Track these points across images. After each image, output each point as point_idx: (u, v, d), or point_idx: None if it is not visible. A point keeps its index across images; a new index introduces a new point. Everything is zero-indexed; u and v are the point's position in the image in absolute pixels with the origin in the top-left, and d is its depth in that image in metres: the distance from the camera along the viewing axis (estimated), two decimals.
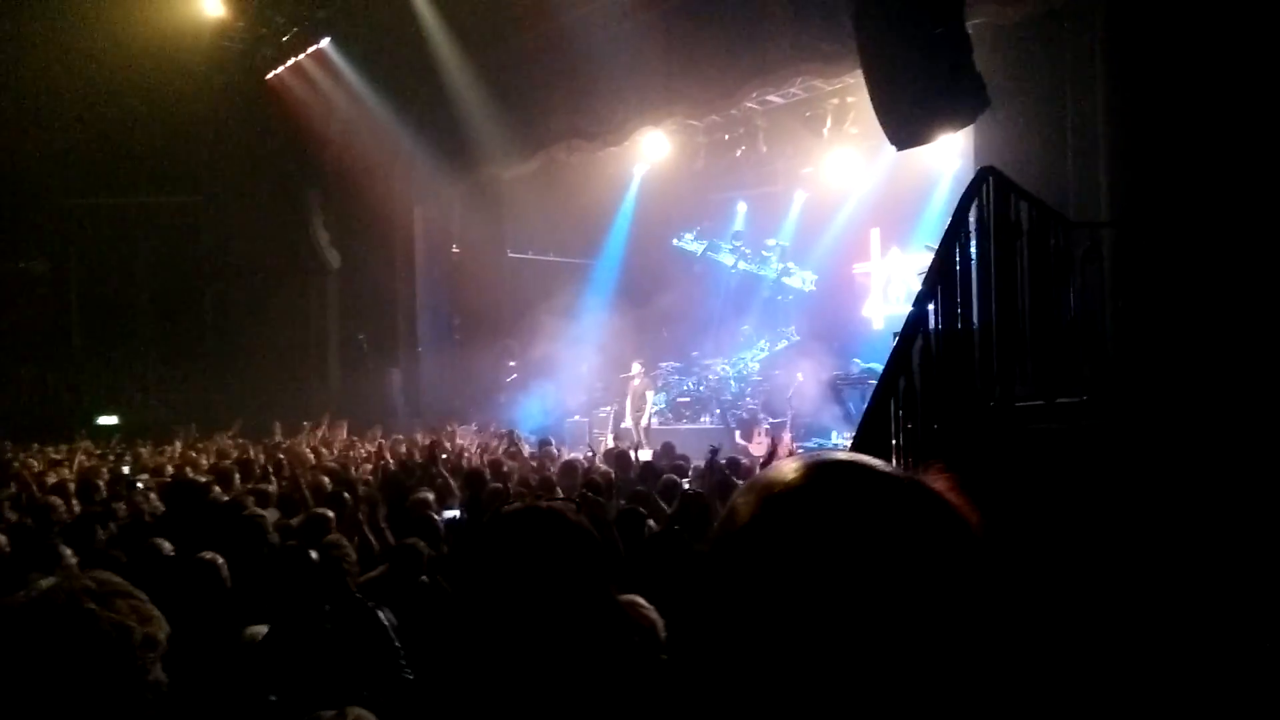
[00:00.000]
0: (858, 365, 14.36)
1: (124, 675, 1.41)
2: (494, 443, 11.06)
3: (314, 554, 4.01)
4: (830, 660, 0.67)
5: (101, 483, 7.43)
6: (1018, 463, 3.88)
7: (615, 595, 1.78)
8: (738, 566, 0.72)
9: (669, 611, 2.97)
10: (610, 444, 13.26)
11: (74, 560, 4.76)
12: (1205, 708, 2.86)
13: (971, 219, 4.38)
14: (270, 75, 16.39)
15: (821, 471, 0.75)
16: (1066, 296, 5.37)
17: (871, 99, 8.92)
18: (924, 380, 3.87)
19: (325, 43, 15.62)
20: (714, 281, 18.22)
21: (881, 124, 8.83)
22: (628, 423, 15.34)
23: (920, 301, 3.99)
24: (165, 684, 1.49)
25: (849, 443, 12.72)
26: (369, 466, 9.32)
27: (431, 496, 6.70)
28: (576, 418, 16.00)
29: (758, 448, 13.33)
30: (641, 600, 3.01)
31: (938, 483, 0.75)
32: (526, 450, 9.98)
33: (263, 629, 3.66)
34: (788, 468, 0.76)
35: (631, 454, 9.61)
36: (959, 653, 0.68)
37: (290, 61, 16.15)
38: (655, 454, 10.07)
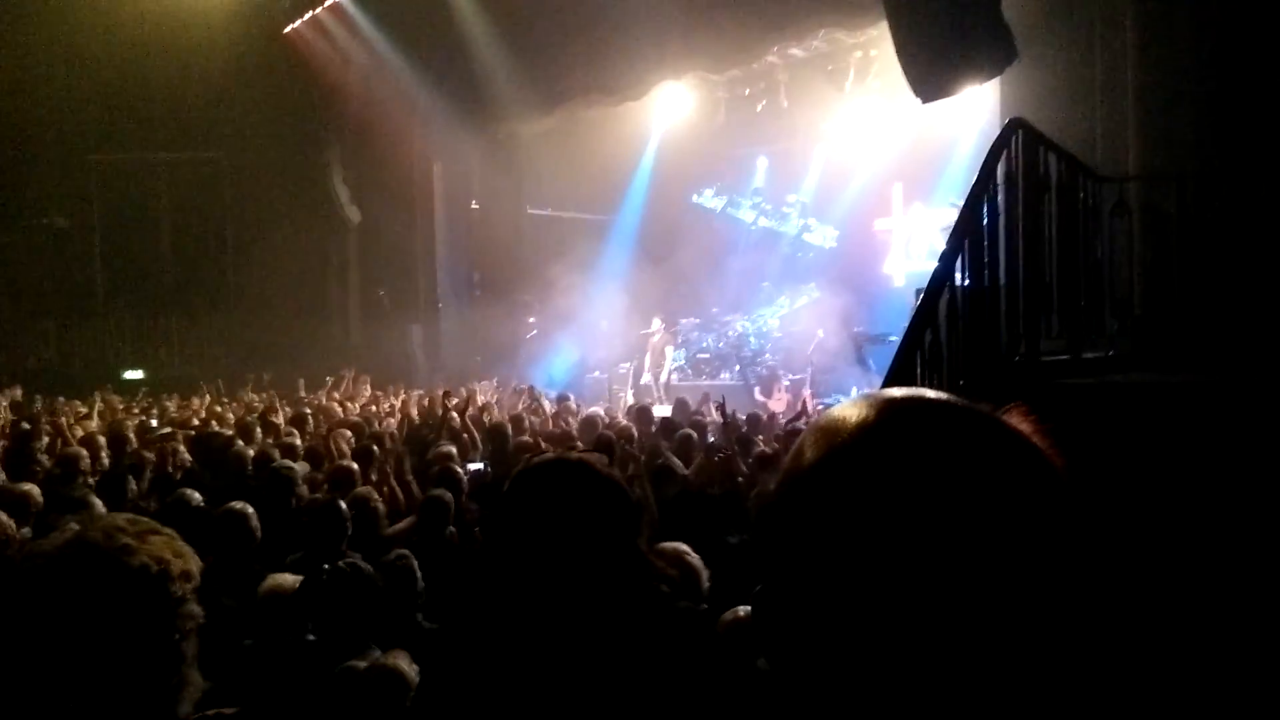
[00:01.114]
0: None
1: (161, 607, 1.44)
2: (513, 398, 11.12)
3: (344, 505, 4.06)
4: (904, 607, 0.63)
5: (131, 435, 7.53)
6: (1044, 417, 3.86)
7: (643, 546, 1.79)
8: (807, 509, 0.68)
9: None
10: (630, 400, 13.31)
11: (104, 511, 4.84)
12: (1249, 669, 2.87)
13: (999, 172, 4.32)
14: (288, 29, 16.28)
15: (894, 407, 0.70)
16: (1094, 251, 5.31)
17: (896, 50, 8.76)
18: (950, 334, 3.85)
19: None
20: (734, 238, 18.12)
21: (906, 76, 8.69)
22: (647, 379, 15.37)
23: (947, 255, 3.96)
24: (201, 618, 1.52)
25: None
26: (392, 421, 9.39)
27: (454, 450, 6.77)
28: (596, 374, 16.05)
29: (778, 404, 13.34)
30: (685, 548, 3.03)
31: (1022, 423, 0.70)
32: (547, 406, 10.02)
33: (288, 578, 3.70)
34: (855, 405, 0.71)
35: (655, 409, 9.65)
36: (1041, 604, 0.64)
37: (308, 15, 16.03)
38: (672, 410, 10.09)
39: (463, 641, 1.83)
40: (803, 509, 0.69)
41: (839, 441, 0.69)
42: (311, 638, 3.31)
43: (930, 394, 0.73)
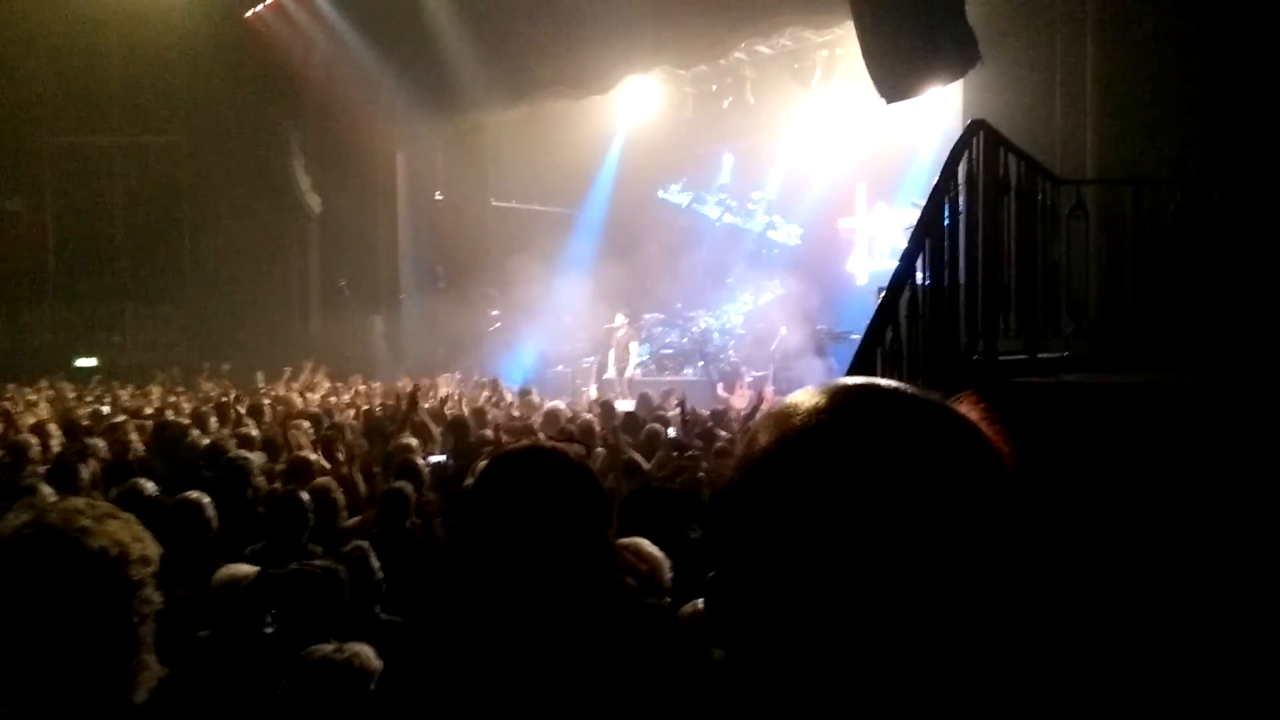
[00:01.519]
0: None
1: (119, 590, 1.43)
2: (475, 390, 11.07)
3: (305, 496, 4.02)
4: (852, 590, 0.64)
5: (84, 423, 7.38)
6: (1000, 414, 3.91)
7: (611, 539, 1.80)
8: (759, 494, 0.68)
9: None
10: (593, 394, 13.30)
11: (55, 499, 4.76)
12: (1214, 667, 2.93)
13: (960, 172, 4.38)
14: (249, 13, 16.02)
15: (845, 394, 0.71)
16: (1051, 253, 5.40)
17: (861, 50, 8.85)
18: (910, 332, 3.90)
19: None
20: (699, 234, 18.16)
21: (871, 75, 8.78)
22: (611, 373, 15.37)
23: (908, 254, 4.01)
24: (159, 603, 1.51)
25: None
26: (351, 413, 9.30)
27: (415, 442, 6.72)
28: (560, 368, 16.01)
29: (740, 400, 13.40)
30: (645, 542, 3.03)
31: (971, 412, 0.71)
32: (509, 399, 9.99)
33: (242, 568, 3.65)
34: (809, 393, 0.72)
35: (618, 405, 9.65)
36: (985, 588, 0.65)
37: None
38: (636, 405, 10.11)
39: (427, 633, 1.83)
40: (755, 494, 0.69)
41: (791, 427, 0.70)
42: (268, 630, 3.27)
43: (882, 382, 0.74)
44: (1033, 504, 0.69)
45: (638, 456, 6.32)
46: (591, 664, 1.55)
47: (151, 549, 1.51)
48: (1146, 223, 5.80)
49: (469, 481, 5.47)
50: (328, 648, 2.64)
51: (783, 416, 0.71)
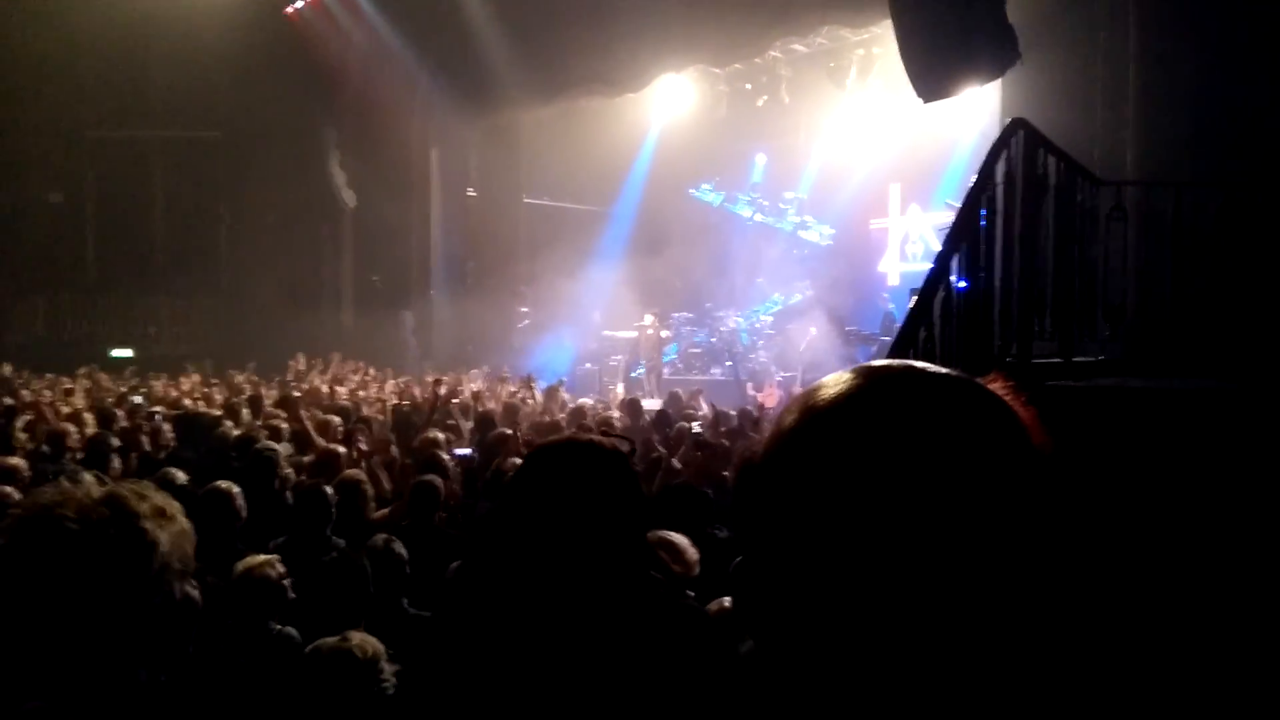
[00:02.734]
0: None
1: (150, 572, 1.41)
2: (504, 387, 11.09)
3: (330, 490, 4.03)
4: (879, 569, 0.63)
5: (120, 412, 7.48)
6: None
7: (646, 534, 1.79)
8: (786, 472, 0.67)
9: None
10: (621, 392, 13.30)
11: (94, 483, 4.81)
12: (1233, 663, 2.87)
13: (998, 172, 4.30)
14: (290, 9, 16.19)
15: (876, 374, 0.70)
16: (1089, 254, 5.30)
17: (899, 49, 8.75)
18: (943, 333, 3.84)
19: None
20: (730, 233, 18.10)
21: (909, 74, 8.67)
22: (638, 372, 15.36)
23: (943, 254, 3.95)
24: (195, 588, 1.50)
25: None
26: (379, 406, 9.36)
27: (441, 436, 6.74)
28: (588, 365, 16.02)
29: (769, 399, 13.33)
30: (678, 537, 3.02)
31: (999, 389, 0.70)
32: (538, 396, 10.00)
33: (262, 558, 3.67)
34: (835, 376, 0.71)
35: (646, 403, 9.64)
36: (1015, 566, 0.63)
37: None
38: (664, 403, 10.08)
39: (457, 625, 1.82)
40: (782, 471, 0.68)
41: (819, 404, 0.69)
42: (279, 627, 3.29)
43: (910, 362, 0.73)
44: (1064, 482, 0.67)
45: (665, 453, 6.29)
46: (622, 658, 1.53)
47: (189, 540, 1.51)
48: (1187, 225, 5.67)
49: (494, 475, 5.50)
50: (331, 640, 2.65)
51: (811, 395, 0.70)
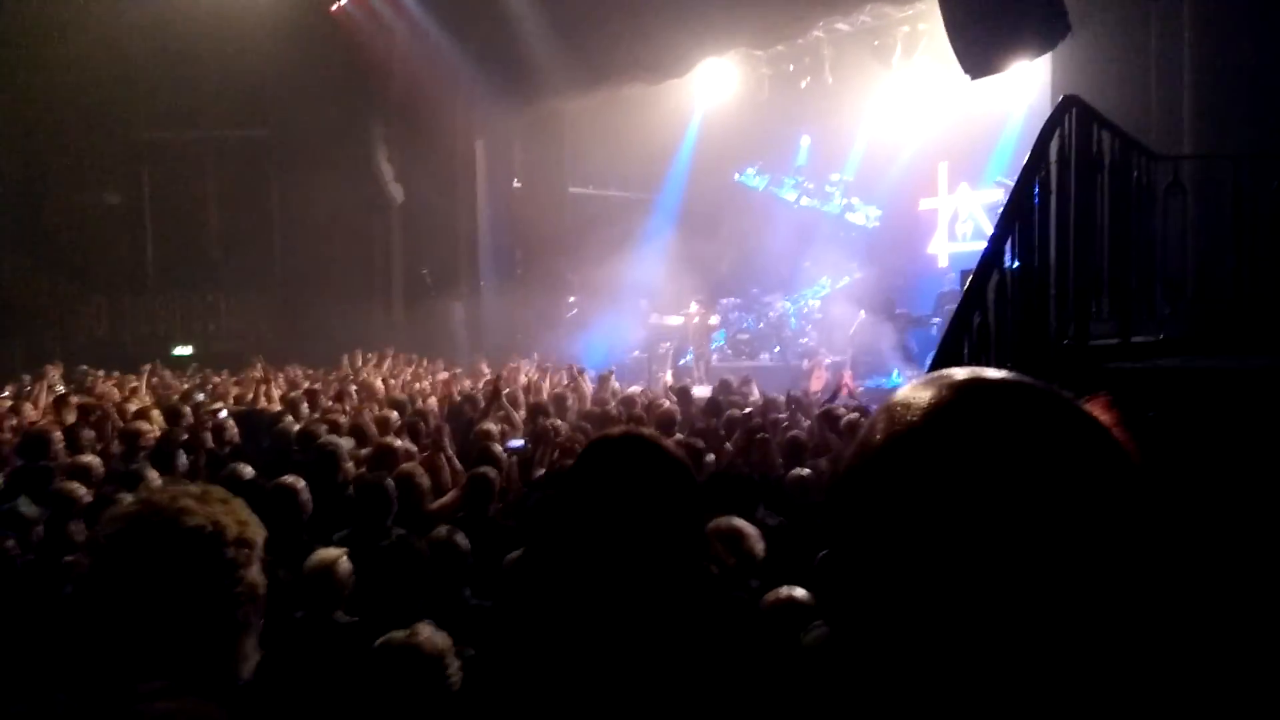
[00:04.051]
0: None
1: (215, 569, 1.47)
2: (555, 376, 11.18)
3: (390, 483, 4.12)
4: (968, 584, 0.63)
5: (187, 409, 7.68)
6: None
7: (699, 527, 1.80)
8: (875, 491, 0.68)
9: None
10: (670, 380, 13.32)
11: (160, 482, 4.96)
12: None
13: (1052, 150, 4.23)
14: (335, 6, 16.39)
15: (967, 388, 0.70)
16: (1147, 232, 5.20)
17: (945, 24, 8.61)
18: (998, 317, 3.80)
19: None
20: (776, 217, 17.98)
21: (955, 51, 8.53)
22: (687, 359, 15.37)
23: (997, 237, 3.90)
24: (261, 586, 1.55)
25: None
26: (433, 400, 9.49)
27: (495, 428, 6.83)
28: (636, 353, 16.06)
29: (817, 382, 13.27)
30: (747, 526, 3.04)
31: (1103, 415, 0.69)
32: (588, 386, 10.06)
33: (333, 552, 3.76)
34: (924, 387, 0.71)
35: (696, 390, 9.65)
36: (1108, 589, 0.63)
37: None
38: (714, 390, 10.08)
39: (515, 617, 1.86)
40: (875, 482, 0.68)
41: (908, 419, 0.69)
42: (347, 618, 3.37)
43: (1000, 374, 0.72)
44: (1162, 507, 0.67)
45: (704, 445, 6.27)
46: (676, 652, 1.56)
47: (254, 532, 1.55)
48: (1247, 200, 5.53)
49: (540, 472, 5.57)
50: (400, 633, 2.71)
51: (900, 409, 0.70)
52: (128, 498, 4.29)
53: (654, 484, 1.61)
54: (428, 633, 2.77)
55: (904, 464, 0.67)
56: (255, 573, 1.53)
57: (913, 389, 0.72)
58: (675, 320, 15.92)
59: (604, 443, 1.74)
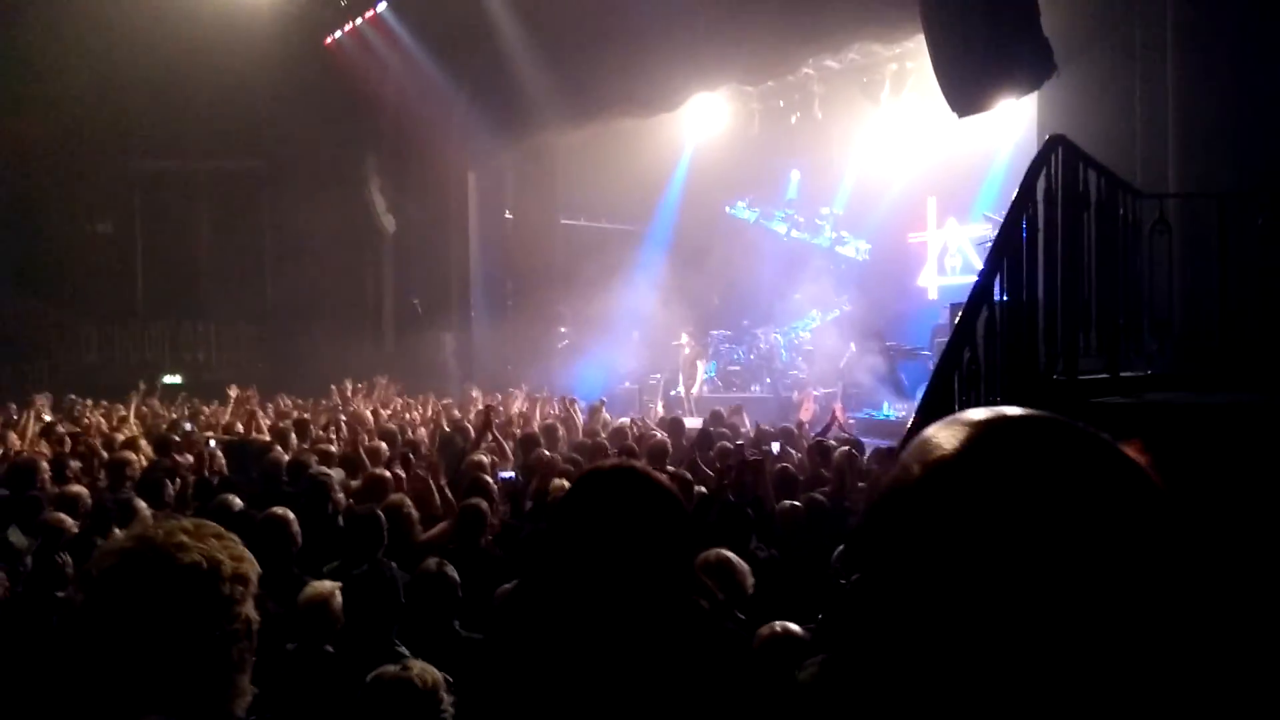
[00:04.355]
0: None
1: (209, 605, 1.46)
2: (546, 407, 11.18)
3: (381, 514, 4.11)
4: (1003, 618, 0.64)
5: (176, 438, 7.65)
6: None
7: (690, 560, 1.80)
8: (911, 523, 0.69)
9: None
10: (660, 411, 13.33)
11: (148, 512, 4.93)
12: None
13: (1039, 189, 4.30)
14: (329, 40, 16.53)
15: (996, 424, 0.71)
16: (1133, 269, 5.26)
17: (932, 63, 8.74)
18: (988, 352, 3.84)
19: (382, 7, 15.71)
20: (766, 250, 18.09)
21: (943, 89, 8.66)
22: (677, 391, 15.39)
23: (986, 273, 3.95)
24: (255, 622, 1.55)
25: (901, 414, 12.63)
26: (423, 430, 9.47)
27: (486, 459, 6.82)
28: (627, 384, 16.07)
29: (807, 413, 13.29)
30: (737, 561, 3.04)
31: (1135, 454, 0.71)
32: (580, 417, 10.06)
33: (326, 585, 3.75)
34: (956, 424, 0.72)
35: (686, 421, 9.65)
36: (1143, 620, 0.64)
37: (349, 26, 16.27)
38: (704, 421, 10.09)
39: (506, 650, 1.85)
40: (911, 516, 0.70)
41: (945, 457, 0.70)
42: (329, 648, 3.36)
43: (1034, 412, 0.74)
44: (1196, 540, 0.69)
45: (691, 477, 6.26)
46: (666, 686, 1.56)
47: (249, 568, 1.55)
48: (1232, 237, 5.62)
49: (530, 504, 5.56)
50: (392, 668, 2.70)
51: (936, 443, 0.72)
52: (117, 530, 4.28)
53: (646, 516, 1.61)
54: (419, 667, 2.77)
55: (940, 497, 0.69)
56: (250, 609, 1.53)
57: (945, 425, 0.73)
58: (665, 351, 15.98)
59: (596, 475, 1.74)
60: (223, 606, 1.49)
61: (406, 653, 3.30)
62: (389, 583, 3.51)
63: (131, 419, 10.16)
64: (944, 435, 0.72)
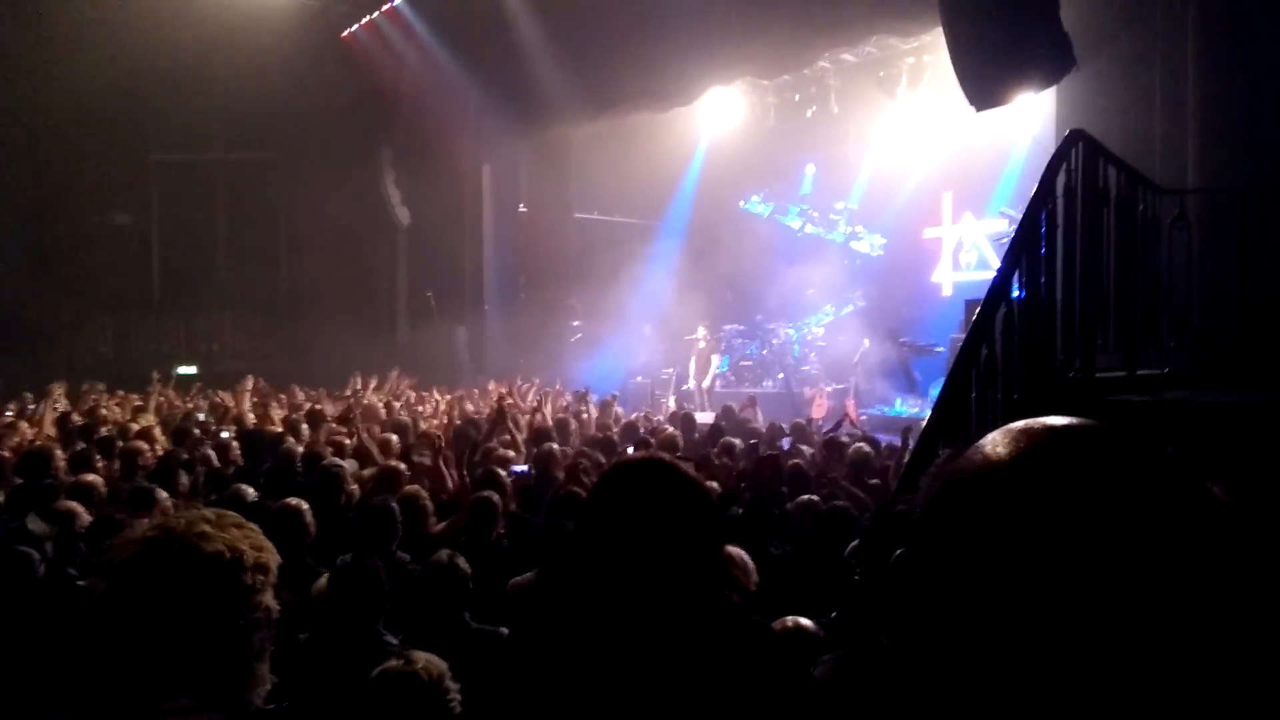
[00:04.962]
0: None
1: (232, 594, 1.48)
2: (559, 401, 11.18)
3: (395, 506, 4.11)
4: (1049, 632, 0.64)
5: (197, 431, 7.68)
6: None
7: (721, 552, 1.79)
8: (965, 525, 0.69)
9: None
10: (672, 406, 13.32)
11: (167, 501, 4.95)
12: None
13: (1059, 184, 4.26)
14: (346, 33, 16.56)
15: (1054, 432, 0.70)
16: (1153, 265, 5.21)
17: (951, 56, 8.68)
18: (1005, 349, 3.81)
19: (399, 0, 15.71)
20: (780, 244, 18.04)
21: (960, 83, 8.59)
22: (690, 385, 15.37)
23: (1004, 270, 3.92)
24: (275, 611, 1.55)
25: (914, 411, 12.59)
26: (435, 422, 9.48)
27: (499, 452, 6.83)
28: (639, 379, 16.08)
29: (818, 410, 13.26)
30: (736, 551, 3.02)
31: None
32: (593, 411, 10.06)
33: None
34: (1013, 431, 0.72)
35: (698, 416, 9.64)
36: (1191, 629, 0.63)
37: (365, 19, 16.30)
38: (715, 417, 10.08)
39: (531, 643, 1.84)
40: (966, 515, 0.69)
41: (1001, 457, 0.70)
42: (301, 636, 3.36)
43: (1088, 421, 0.73)
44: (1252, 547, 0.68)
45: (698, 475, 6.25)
46: (696, 678, 1.55)
47: (269, 558, 1.55)
48: (1253, 233, 5.55)
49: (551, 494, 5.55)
50: (396, 662, 2.69)
51: (991, 447, 0.71)
52: (138, 518, 4.30)
53: (676, 508, 1.59)
54: (424, 660, 2.76)
55: (994, 499, 0.68)
56: (270, 598, 1.53)
57: (1002, 433, 0.73)
58: (678, 346, 15.96)
59: (624, 468, 1.72)
60: (244, 595, 1.50)
61: (394, 641, 3.30)
62: (371, 573, 3.51)
63: (151, 409, 10.22)
64: (1004, 439, 0.71)
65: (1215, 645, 0.64)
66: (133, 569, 1.46)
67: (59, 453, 6.23)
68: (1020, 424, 0.73)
